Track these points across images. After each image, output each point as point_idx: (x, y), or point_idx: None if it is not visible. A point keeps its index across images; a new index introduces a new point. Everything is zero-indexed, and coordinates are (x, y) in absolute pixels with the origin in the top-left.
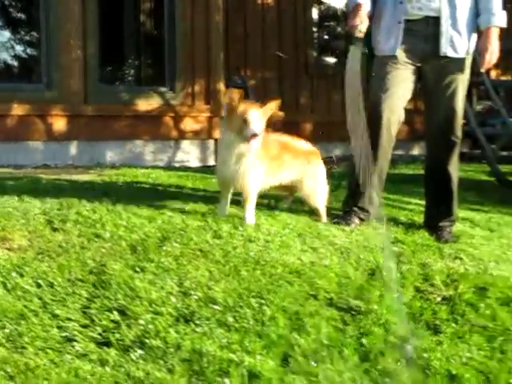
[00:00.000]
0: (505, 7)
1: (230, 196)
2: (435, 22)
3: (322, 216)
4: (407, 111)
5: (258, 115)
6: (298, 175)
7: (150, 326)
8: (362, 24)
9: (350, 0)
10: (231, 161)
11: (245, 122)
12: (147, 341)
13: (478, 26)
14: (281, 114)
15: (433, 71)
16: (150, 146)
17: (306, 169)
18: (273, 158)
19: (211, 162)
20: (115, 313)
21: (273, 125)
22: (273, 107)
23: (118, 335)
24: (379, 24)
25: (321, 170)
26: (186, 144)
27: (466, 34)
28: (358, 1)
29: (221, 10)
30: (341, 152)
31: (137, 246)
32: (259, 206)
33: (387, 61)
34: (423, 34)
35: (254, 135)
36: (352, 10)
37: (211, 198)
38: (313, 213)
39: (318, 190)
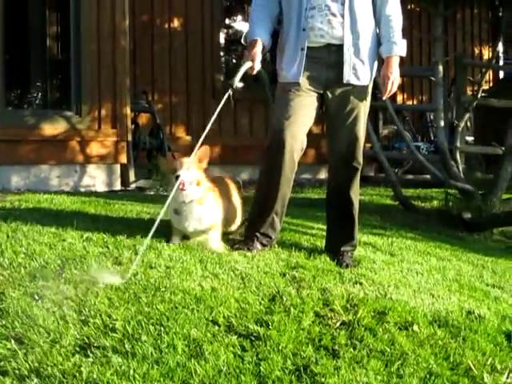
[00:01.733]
0: (404, 36)
1: None
2: (337, 49)
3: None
4: (315, 135)
5: (185, 164)
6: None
7: (48, 355)
8: (254, 63)
9: (248, 33)
10: (181, 215)
11: (174, 171)
12: (44, 370)
13: (379, 54)
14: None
15: (335, 98)
16: (55, 171)
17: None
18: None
19: (117, 186)
20: (12, 341)
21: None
22: (203, 152)
23: (14, 364)
24: (283, 51)
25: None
26: (91, 168)
27: (368, 62)
28: (256, 36)
29: (127, 34)
30: (247, 176)
31: (36, 274)
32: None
33: (290, 87)
34: (325, 62)
35: (182, 182)
36: (249, 45)
37: (113, 224)
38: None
39: None
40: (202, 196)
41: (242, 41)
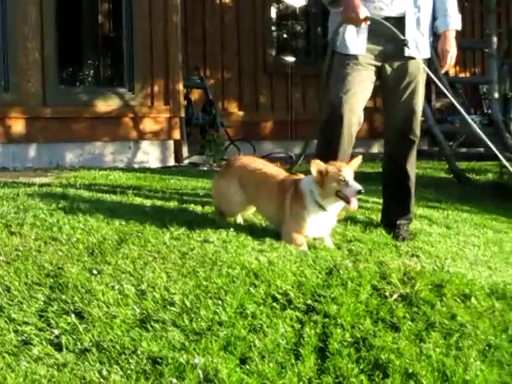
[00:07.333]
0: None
1: None
2: (397, 22)
3: None
4: (367, 109)
5: (351, 172)
6: None
7: (107, 329)
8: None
9: None
10: (324, 223)
11: (343, 182)
12: (104, 344)
13: (435, 28)
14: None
15: (393, 72)
16: (109, 148)
17: None
18: None
19: (171, 162)
20: (72, 316)
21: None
22: (357, 163)
23: (74, 338)
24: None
25: None
26: (145, 145)
27: (427, 35)
28: None
29: (179, 11)
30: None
31: (94, 249)
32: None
33: (348, 61)
34: (384, 35)
35: (360, 192)
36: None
37: (169, 199)
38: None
39: None
40: None
41: (324, 0)
